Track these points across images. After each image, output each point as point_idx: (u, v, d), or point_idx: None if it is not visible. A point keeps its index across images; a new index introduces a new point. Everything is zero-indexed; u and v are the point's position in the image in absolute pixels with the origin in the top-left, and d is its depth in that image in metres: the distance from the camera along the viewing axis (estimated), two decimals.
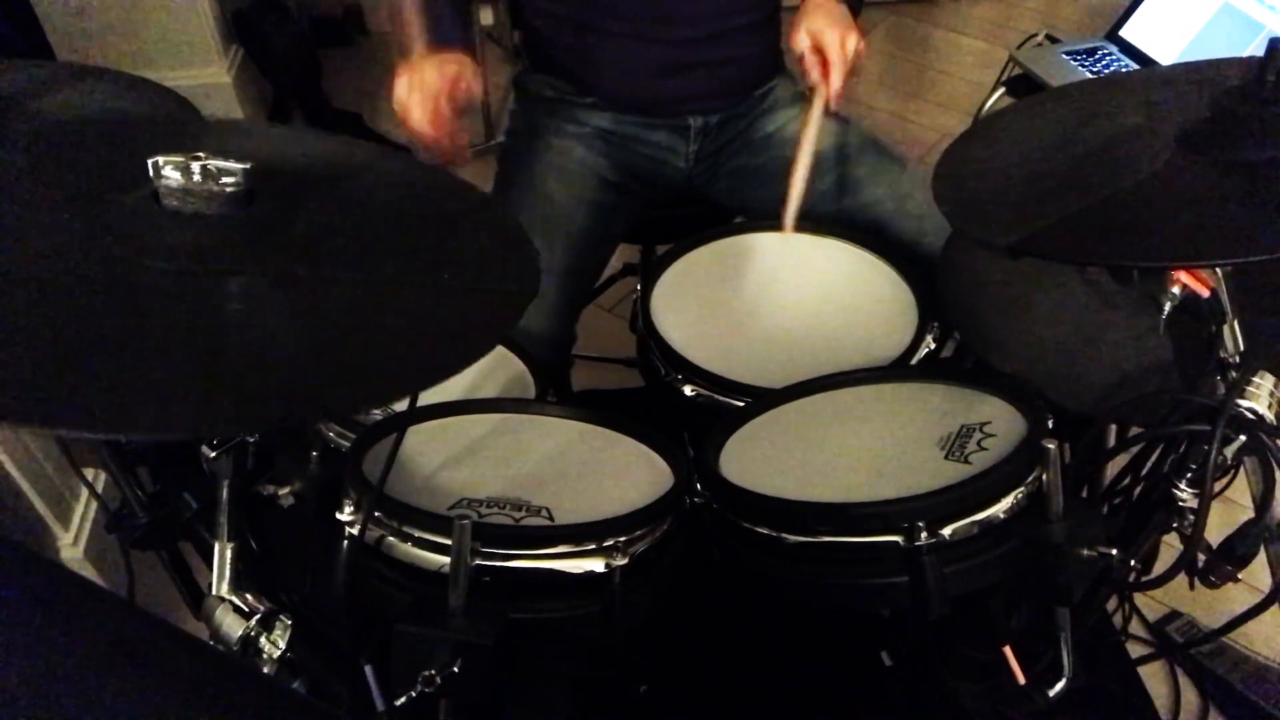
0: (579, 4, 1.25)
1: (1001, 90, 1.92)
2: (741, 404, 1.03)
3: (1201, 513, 0.83)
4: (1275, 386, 0.82)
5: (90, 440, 0.85)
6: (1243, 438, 0.82)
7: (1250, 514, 0.86)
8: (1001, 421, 0.90)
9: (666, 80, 1.29)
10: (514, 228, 0.79)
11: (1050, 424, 0.87)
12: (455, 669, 0.74)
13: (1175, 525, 0.89)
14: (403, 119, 1.07)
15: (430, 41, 1.10)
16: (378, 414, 1.04)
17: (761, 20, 1.33)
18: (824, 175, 1.28)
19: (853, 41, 1.17)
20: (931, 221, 1.23)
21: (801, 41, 1.19)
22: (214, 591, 0.85)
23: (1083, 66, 1.87)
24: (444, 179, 0.84)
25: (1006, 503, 0.82)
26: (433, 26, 1.12)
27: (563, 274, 1.23)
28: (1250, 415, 0.80)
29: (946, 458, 0.88)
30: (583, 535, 0.81)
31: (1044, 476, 0.82)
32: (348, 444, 0.97)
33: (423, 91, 1.05)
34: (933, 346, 1.11)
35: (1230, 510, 0.99)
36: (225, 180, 0.63)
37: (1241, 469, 0.87)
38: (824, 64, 1.18)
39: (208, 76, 2.36)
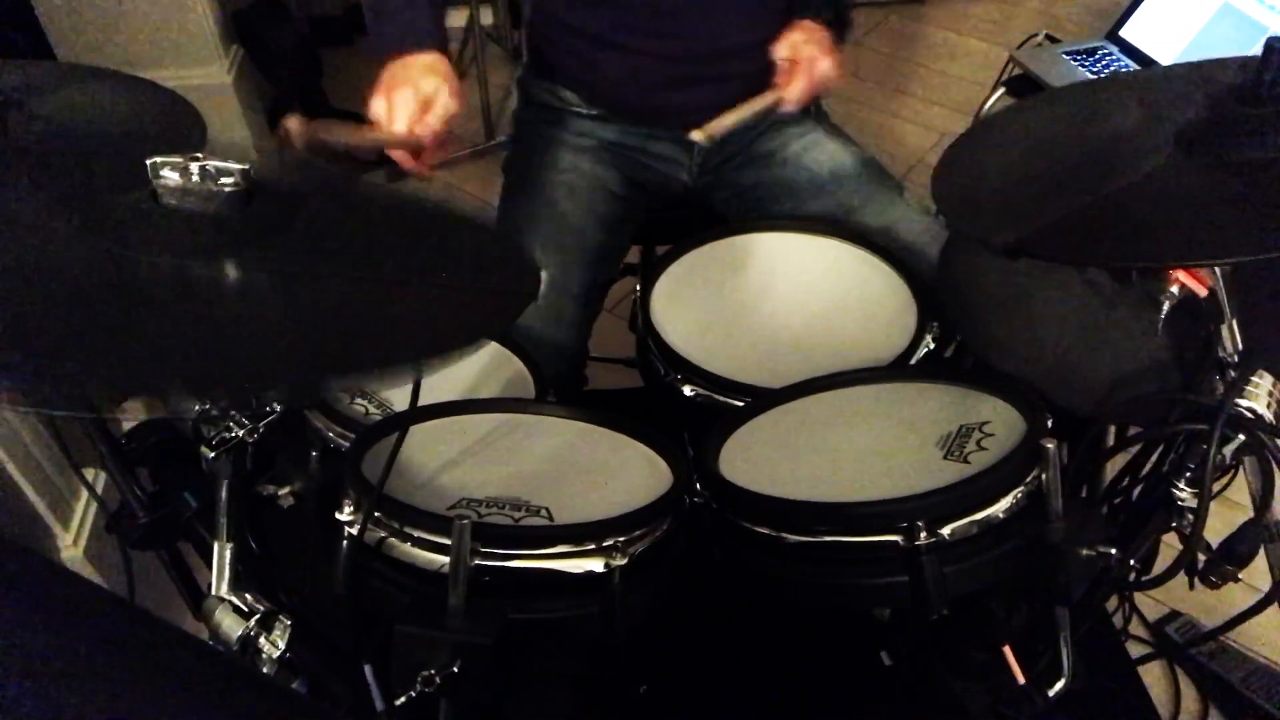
0: (587, 15, 1.25)
1: (1001, 90, 1.92)
2: (741, 404, 1.03)
3: (1201, 512, 0.83)
4: (1274, 386, 0.82)
5: (87, 419, 0.85)
6: (1241, 437, 0.82)
7: (1250, 513, 0.86)
8: (1001, 421, 0.90)
9: (670, 94, 1.30)
10: (511, 232, 0.79)
11: (1049, 424, 0.87)
12: (455, 669, 0.75)
13: (1175, 525, 0.89)
14: (380, 131, 1.04)
15: (406, 42, 1.08)
16: (377, 414, 1.04)
17: (766, 39, 1.33)
18: (821, 199, 1.30)
19: (824, 66, 1.20)
20: (925, 245, 1.23)
21: (781, 50, 1.22)
22: (213, 592, 0.86)
23: (1083, 66, 1.87)
24: (441, 186, 0.84)
25: (1006, 502, 0.82)
26: (409, 23, 1.10)
27: (581, 292, 1.23)
28: (1249, 415, 0.80)
29: (946, 457, 0.88)
30: (582, 535, 0.81)
31: (1043, 476, 0.82)
32: (348, 444, 0.97)
33: (402, 109, 1.03)
34: (932, 346, 1.11)
35: (1230, 510, 0.99)
36: (224, 180, 0.63)
37: (1241, 469, 0.87)
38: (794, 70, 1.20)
39: (208, 76, 2.36)
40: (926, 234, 1.23)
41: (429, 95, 1.05)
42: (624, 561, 0.81)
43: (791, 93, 1.19)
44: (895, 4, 3.32)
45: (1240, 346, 0.83)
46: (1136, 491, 0.96)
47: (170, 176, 0.63)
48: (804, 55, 1.20)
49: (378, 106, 1.04)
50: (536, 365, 1.10)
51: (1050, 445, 0.81)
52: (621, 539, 0.82)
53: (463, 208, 0.84)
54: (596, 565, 0.81)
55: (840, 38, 1.26)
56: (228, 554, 0.86)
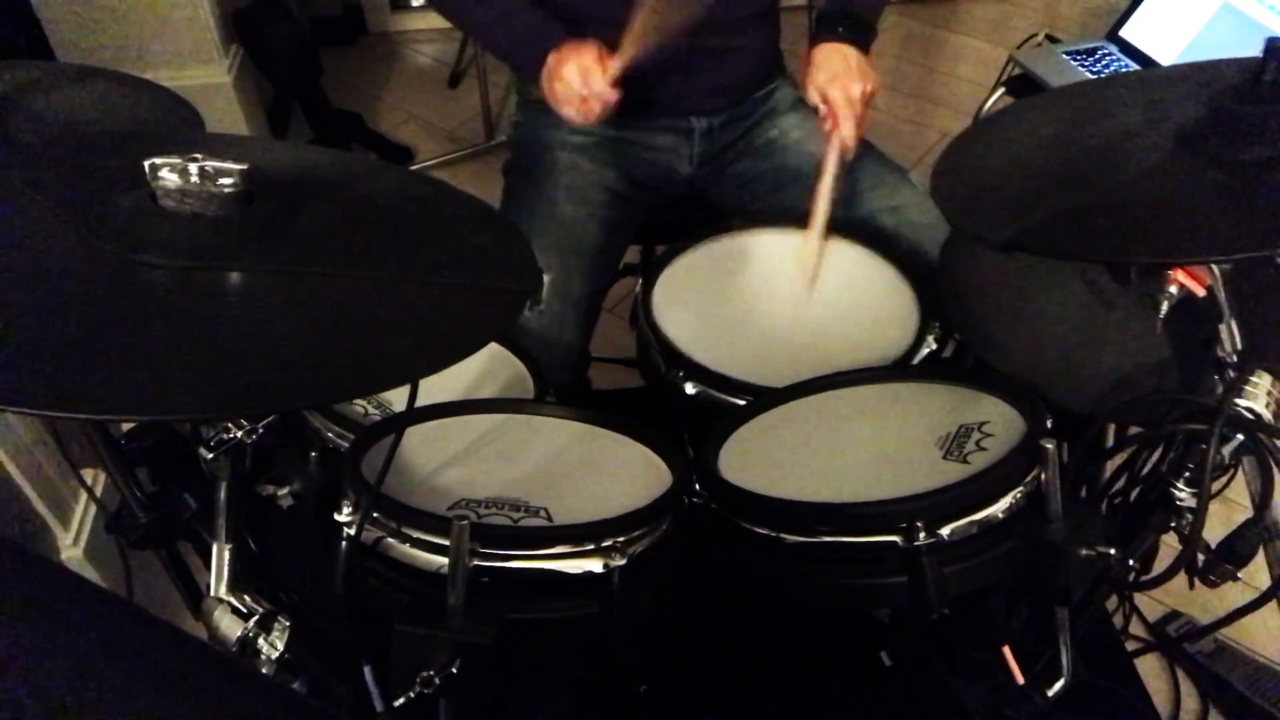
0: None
1: (1001, 90, 1.92)
2: (742, 402, 1.03)
3: (1200, 512, 0.83)
4: (1272, 386, 0.82)
5: (90, 423, 0.85)
6: (1240, 437, 0.82)
7: (1249, 513, 0.86)
8: (1000, 421, 0.90)
9: (666, 78, 1.29)
10: (511, 230, 0.79)
11: (1049, 424, 0.87)
12: (454, 669, 0.75)
13: (1174, 525, 0.89)
14: (576, 108, 1.17)
15: (551, 48, 1.19)
16: (376, 414, 1.04)
17: (759, 13, 1.33)
18: None
19: (857, 89, 1.18)
20: (931, 232, 1.23)
21: (812, 97, 1.22)
22: (212, 592, 0.86)
23: (1083, 66, 1.87)
24: (442, 186, 0.84)
25: (1005, 502, 0.82)
26: (544, 32, 1.21)
27: (583, 297, 1.23)
28: (1248, 415, 0.80)
29: (945, 458, 0.88)
30: (581, 536, 0.81)
31: (1042, 476, 0.82)
32: (346, 444, 0.97)
33: (589, 84, 1.15)
34: (934, 347, 1.11)
35: (1229, 510, 1.00)
36: (223, 181, 0.63)
37: (1240, 468, 0.87)
38: (835, 116, 1.19)
39: (208, 76, 2.36)
40: (935, 213, 1.23)
41: (596, 56, 1.15)
42: (623, 562, 0.81)
43: (846, 136, 1.19)
44: (895, 4, 3.32)
45: (1239, 346, 0.83)
46: (1136, 491, 0.96)
47: (169, 178, 0.63)
48: (834, 98, 1.18)
49: (573, 85, 1.16)
50: (536, 365, 1.10)
51: (1050, 445, 0.81)
52: (620, 539, 0.82)
53: (462, 207, 0.84)
54: (595, 566, 0.81)
55: (865, 45, 1.24)
56: (227, 554, 0.86)
